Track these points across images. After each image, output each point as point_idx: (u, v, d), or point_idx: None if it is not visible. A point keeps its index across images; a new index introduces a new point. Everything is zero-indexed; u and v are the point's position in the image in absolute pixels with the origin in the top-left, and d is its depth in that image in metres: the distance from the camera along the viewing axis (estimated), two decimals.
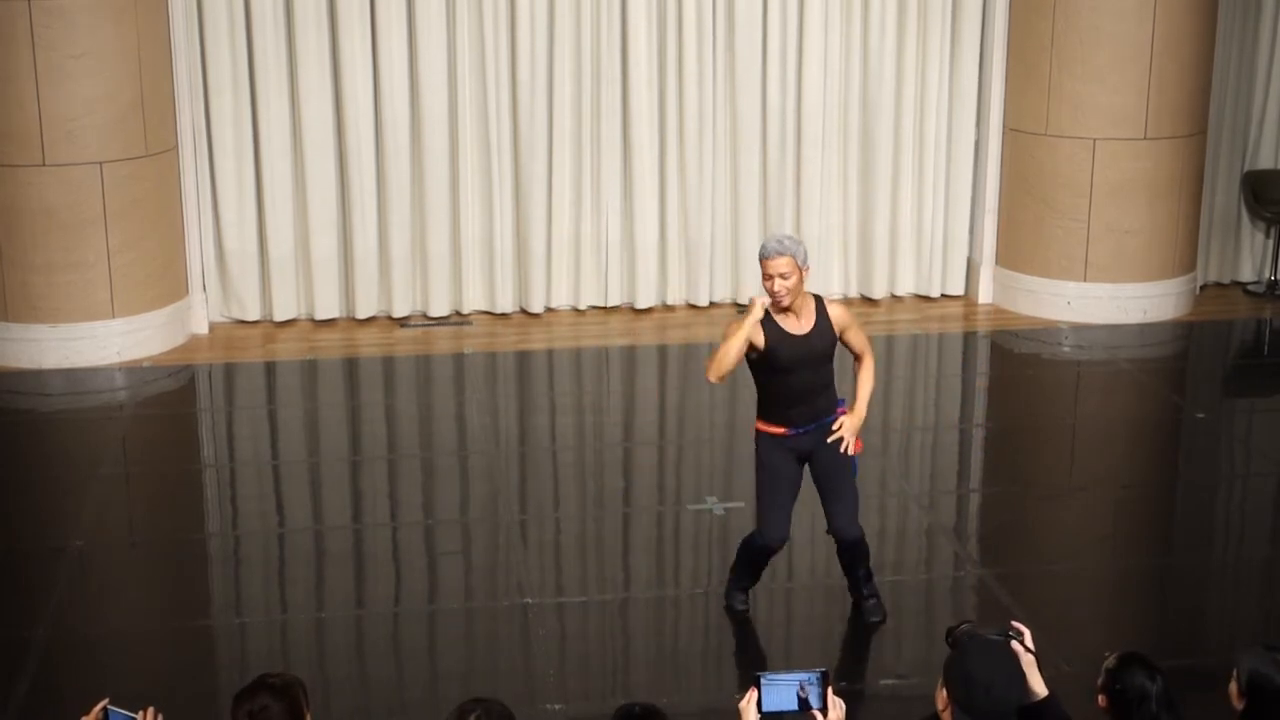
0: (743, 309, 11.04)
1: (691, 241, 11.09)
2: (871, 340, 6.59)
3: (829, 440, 6.32)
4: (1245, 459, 9.18)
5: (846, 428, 6.34)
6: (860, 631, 6.84)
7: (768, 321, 6.20)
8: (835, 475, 6.43)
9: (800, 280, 6.16)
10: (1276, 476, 8.67)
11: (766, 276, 6.15)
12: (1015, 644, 4.19)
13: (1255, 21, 11.46)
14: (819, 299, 6.34)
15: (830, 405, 6.37)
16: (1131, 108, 10.58)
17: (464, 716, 3.93)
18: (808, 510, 8.04)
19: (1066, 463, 8.87)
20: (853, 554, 6.64)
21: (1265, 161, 11.78)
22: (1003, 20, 10.95)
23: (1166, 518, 8.33)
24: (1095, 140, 10.65)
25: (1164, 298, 11.01)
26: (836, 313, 6.33)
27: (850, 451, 6.33)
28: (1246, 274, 11.92)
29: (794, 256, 6.12)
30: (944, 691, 3.99)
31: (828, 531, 6.57)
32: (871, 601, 6.73)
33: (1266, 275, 11.78)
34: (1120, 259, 10.85)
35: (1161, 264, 10.96)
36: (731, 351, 6.11)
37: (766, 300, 6.18)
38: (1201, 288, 11.53)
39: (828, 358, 6.33)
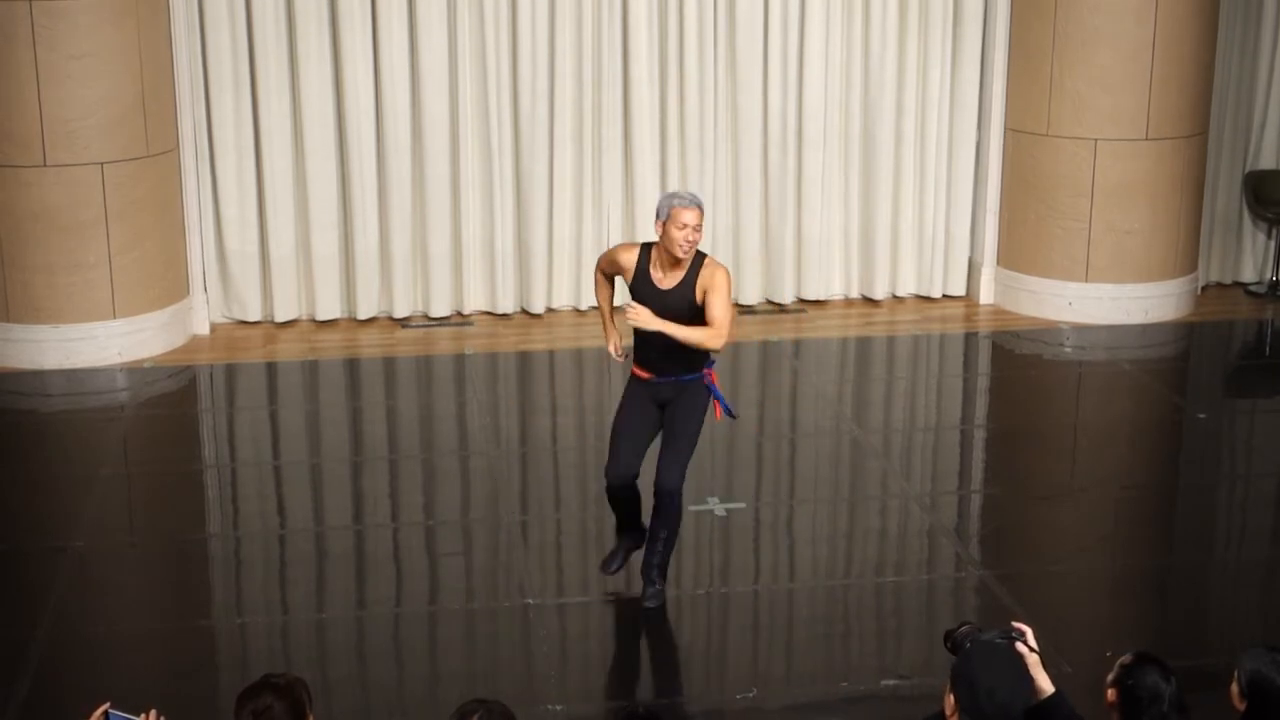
0: (744, 310, 11.13)
1: None
2: (734, 320, 6.51)
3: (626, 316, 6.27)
4: (1246, 459, 9.18)
5: (643, 315, 6.22)
6: (861, 632, 6.85)
7: (640, 265, 6.38)
8: (675, 424, 6.53)
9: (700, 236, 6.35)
10: (1277, 476, 8.67)
11: (680, 225, 6.24)
12: (1019, 644, 4.18)
13: (1256, 22, 11.46)
14: (701, 255, 6.39)
15: (693, 367, 6.46)
16: (1132, 108, 10.58)
17: (465, 717, 3.94)
18: (806, 508, 8.06)
19: (1067, 463, 8.87)
20: (665, 510, 6.56)
21: (1266, 162, 11.78)
22: (1004, 21, 10.95)
23: (1167, 518, 8.33)
24: (1096, 141, 10.65)
25: (1165, 298, 11.00)
26: (707, 274, 6.34)
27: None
28: (1248, 274, 11.92)
29: (702, 210, 6.30)
30: (952, 696, 3.98)
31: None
32: (651, 589, 6.72)
33: (1268, 276, 11.77)
34: (1121, 259, 10.85)
35: (1163, 264, 10.95)
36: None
37: (621, 351, 6.61)
38: (1203, 288, 11.53)
39: (680, 320, 6.31)
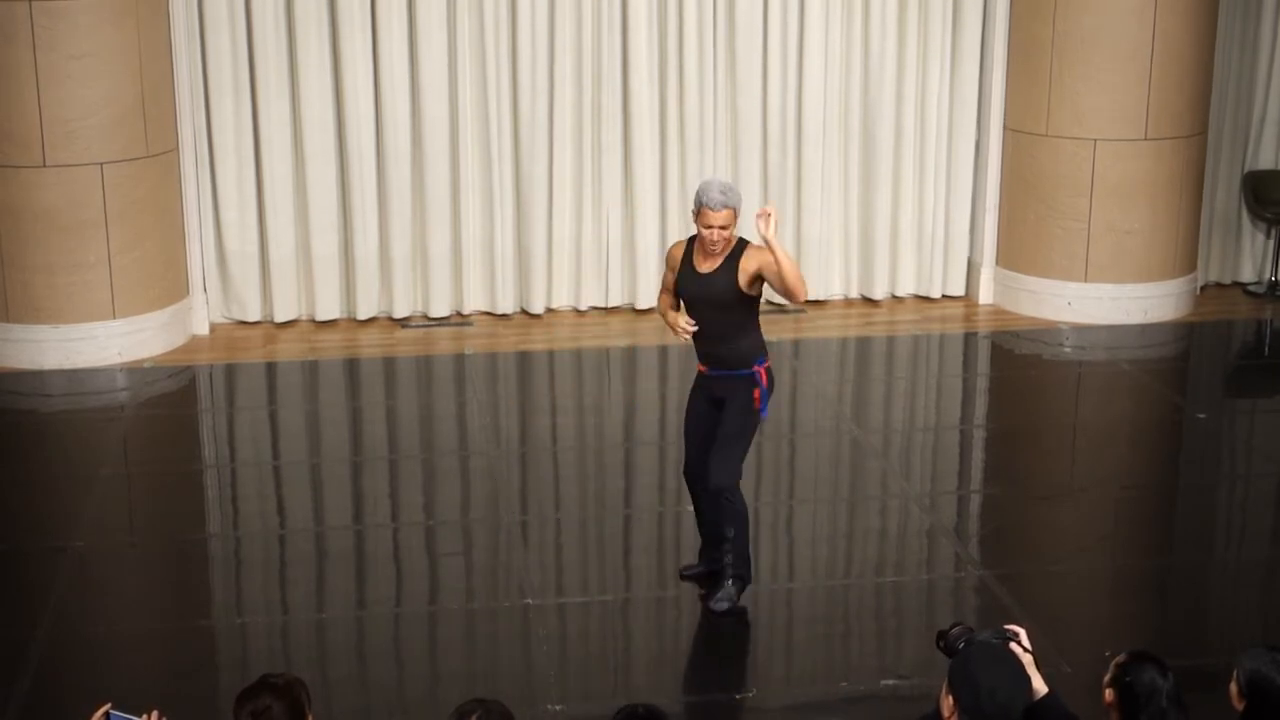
0: None
1: None
2: (800, 280, 6.31)
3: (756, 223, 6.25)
4: (1245, 459, 9.18)
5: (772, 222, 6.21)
6: (861, 632, 6.85)
7: (686, 253, 6.47)
8: (723, 423, 6.52)
9: (734, 229, 6.37)
10: (1276, 476, 8.67)
11: (706, 225, 6.31)
12: (1013, 645, 4.19)
13: (1256, 22, 11.46)
14: (743, 241, 6.42)
15: (741, 361, 6.44)
16: (1132, 108, 10.58)
17: (464, 717, 3.94)
18: (806, 508, 8.06)
19: (1067, 463, 8.87)
20: (723, 509, 6.55)
21: (1266, 162, 11.78)
22: (1003, 20, 10.95)
23: (1167, 518, 8.33)
24: (1095, 140, 10.65)
25: (1165, 298, 11.01)
26: (748, 258, 6.35)
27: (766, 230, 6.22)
28: (1247, 274, 11.92)
29: (735, 209, 6.31)
30: (949, 698, 3.99)
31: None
32: (720, 591, 6.62)
33: (1267, 276, 11.77)
34: (1121, 259, 10.85)
35: (1162, 264, 10.96)
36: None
37: (685, 329, 6.46)
38: (1202, 288, 11.53)
39: (726, 303, 6.37)
